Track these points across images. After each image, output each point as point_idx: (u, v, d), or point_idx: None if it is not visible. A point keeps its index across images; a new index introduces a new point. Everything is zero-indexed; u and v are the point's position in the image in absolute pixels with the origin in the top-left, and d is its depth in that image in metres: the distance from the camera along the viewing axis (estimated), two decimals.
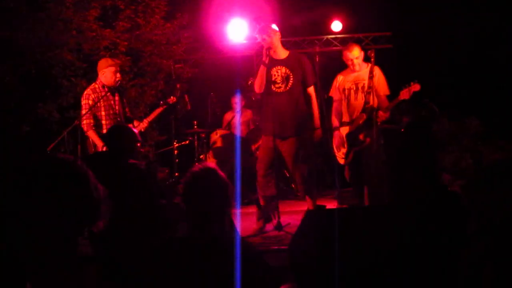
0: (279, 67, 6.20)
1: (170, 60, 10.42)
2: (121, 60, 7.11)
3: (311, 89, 6.29)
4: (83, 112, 6.64)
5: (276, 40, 6.19)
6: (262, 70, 6.16)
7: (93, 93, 6.71)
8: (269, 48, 6.14)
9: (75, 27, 8.95)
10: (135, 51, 9.98)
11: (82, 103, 6.75)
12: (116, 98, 6.87)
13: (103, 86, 6.76)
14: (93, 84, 6.84)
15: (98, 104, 6.67)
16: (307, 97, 6.29)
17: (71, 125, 6.64)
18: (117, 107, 6.84)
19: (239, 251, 2.59)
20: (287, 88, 6.18)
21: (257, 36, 6.26)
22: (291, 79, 6.18)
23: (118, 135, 4.90)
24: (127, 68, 9.60)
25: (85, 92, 6.78)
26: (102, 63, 6.87)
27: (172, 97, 7.52)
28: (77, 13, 8.90)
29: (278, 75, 6.18)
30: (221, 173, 2.94)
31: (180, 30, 10.48)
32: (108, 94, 6.76)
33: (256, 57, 6.60)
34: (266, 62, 6.15)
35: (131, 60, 9.76)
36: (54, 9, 8.62)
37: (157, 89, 10.22)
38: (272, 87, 6.20)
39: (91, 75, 9.19)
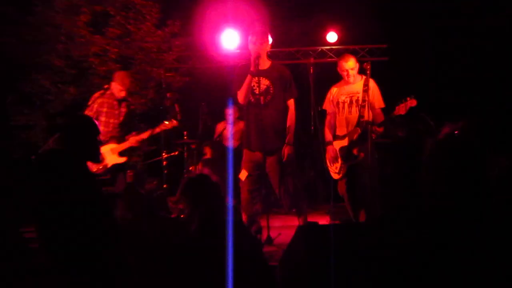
0: (260, 78, 6.11)
1: (160, 69, 10.42)
2: (128, 82, 7.11)
3: (290, 102, 6.23)
4: (86, 113, 6.79)
5: (265, 49, 6.17)
6: (248, 79, 6.07)
7: (101, 97, 6.87)
8: (258, 57, 6.03)
9: (64, 33, 8.95)
10: (125, 58, 9.97)
11: (88, 103, 6.91)
12: (122, 110, 6.99)
13: (112, 94, 6.99)
14: (103, 90, 6.96)
15: (101, 109, 6.87)
16: (286, 110, 6.23)
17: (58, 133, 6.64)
18: (121, 118, 7.00)
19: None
20: (266, 100, 6.12)
21: (250, 39, 6.16)
22: (271, 91, 6.13)
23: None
24: None
25: (93, 95, 6.94)
26: (115, 75, 7.10)
27: (173, 120, 7.51)
28: (67, 18, 8.90)
29: (257, 86, 6.10)
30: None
31: (171, 37, 10.49)
32: (115, 104, 6.97)
33: (238, 66, 6.48)
34: (254, 71, 6.04)
35: (121, 68, 9.74)
36: (42, 13, 8.62)
37: (146, 97, 10.21)
38: (251, 97, 6.16)
39: (80, 82, 9.19)
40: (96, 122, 4.22)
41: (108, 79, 7.10)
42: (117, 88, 6.97)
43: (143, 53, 10.14)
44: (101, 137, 6.86)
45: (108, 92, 6.93)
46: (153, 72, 10.27)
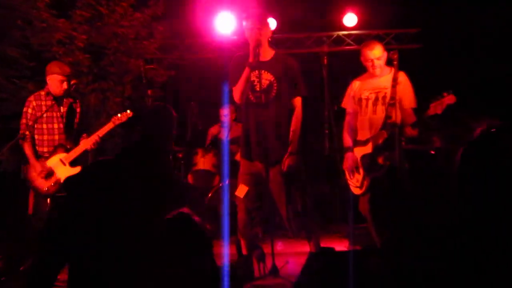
0: (261, 71, 6.09)
1: (139, 60, 10.42)
2: (72, 67, 7.15)
3: (297, 101, 6.22)
4: (22, 121, 6.91)
5: (266, 36, 6.15)
6: (246, 73, 6.05)
7: (35, 100, 6.96)
8: (258, 45, 5.99)
9: (21, 16, 8.96)
10: (95, 47, 9.99)
11: (23, 110, 6.97)
12: (63, 110, 6.99)
13: (48, 94, 6.99)
14: (39, 91, 7.07)
15: (39, 114, 6.89)
16: (293, 110, 6.21)
17: (14, 139, 6.69)
18: (65, 121, 6.98)
19: None
20: (269, 98, 6.10)
21: (246, 25, 6.14)
22: (275, 87, 6.11)
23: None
24: (85, 68, 9.62)
25: (28, 99, 7.01)
26: (48, 67, 7.07)
27: (128, 110, 7.53)
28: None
29: (258, 82, 6.09)
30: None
31: (153, 21, 10.50)
32: (54, 104, 6.98)
33: (234, 57, 6.47)
34: (254, 63, 6.01)
35: (91, 59, 9.77)
36: None
37: (123, 95, 10.22)
38: (250, 95, 6.16)
39: (41, 77, 9.21)
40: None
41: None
42: (54, 81, 6.93)
43: (117, 41, 10.14)
44: (45, 148, 6.91)
45: (44, 92, 6.99)
46: (131, 64, 10.26)
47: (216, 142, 9.54)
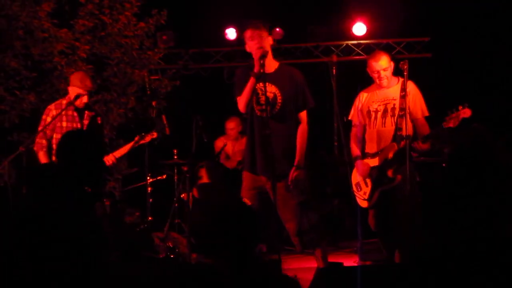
0: (265, 83, 5.98)
1: (144, 70, 10.41)
2: (90, 83, 7.15)
3: (303, 114, 6.17)
4: (39, 128, 6.91)
5: (268, 45, 6.06)
6: (251, 83, 5.98)
7: (56, 109, 6.97)
8: (263, 56, 5.92)
9: (22, 26, 8.97)
10: (98, 57, 9.99)
11: (42, 117, 7.04)
12: (85, 122, 7.03)
13: (69, 104, 7.00)
14: (60, 100, 7.10)
15: (59, 124, 6.92)
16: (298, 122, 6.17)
17: (14, 153, 6.67)
18: None
19: None
20: (274, 111, 6.07)
21: (246, 36, 6.09)
22: (279, 100, 6.08)
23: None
24: None
25: (48, 106, 7.07)
26: (71, 78, 7.15)
27: (153, 132, 7.52)
28: (25, 7, 8.91)
29: (262, 94, 6.01)
30: None
31: (157, 31, 10.50)
32: (75, 114, 7.01)
33: (240, 67, 6.44)
34: (258, 73, 5.92)
35: (94, 69, 9.76)
36: None
37: (126, 106, 10.21)
38: (255, 107, 6.12)
39: (42, 88, 9.20)
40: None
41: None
42: (75, 92, 6.98)
43: (121, 51, 10.14)
44: None
45: (65, 101, 7.01)
46: (135, 75, 10.25)
47: (222, 155, 9.52)
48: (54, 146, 6.93)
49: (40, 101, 9.12)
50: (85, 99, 7.04)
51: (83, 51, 9.54)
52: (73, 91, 6.98)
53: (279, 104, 6.09)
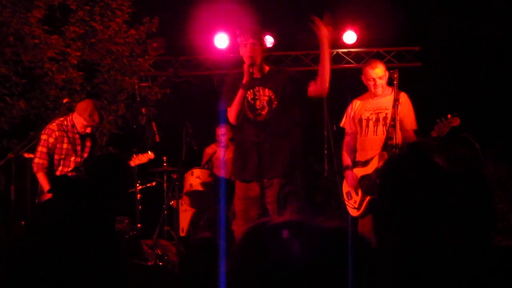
0: (256, 88, 5.98)
1: (134, 77, 10.41)
2: (98, 118, 7.12)
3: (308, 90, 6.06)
4: (39, 148, 6.82)
5: (260, 52, 5.99)
6: (240, 95, 5.88)
7: (59, 130, 6.89)
8: (252, 64, 5.84)
9: (13, 32, 8.97)
10: (89, 64, 9.99)
11: (41, 137, 6.90)
12: (87, 144, 7.04)
13: (73, 126, 6.96)
14: (62, 118, 7.02)
15: (59, 145, 6.86)
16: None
17: (3, 159, 6.68)
18: (85, 155, 7.01)
19: None
20: (270, 114, 5.97)
21: (240, 41, 6.01)
22: (275, 101, 5.98)
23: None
24: (78, 86, 9.61)
25: (49, 126, 6.94)
26: (79, 106, 7.08)
27: (149, 152, 7.53)
28: (16, 14, 8.92)
29: (255, 99, 5.98)
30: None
31: (147, 38, 10.51)
32: (76, 136, 6.98)
33: (229, 75, 6.42)
34: (247, 84, 5.85)
35: (84, 76, 9.76)
36: None
37: (116, 114, 10.21)
38: (249, 114, 6.01)
39: (32, 94, 9.20)
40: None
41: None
42: (81, 123, 6.96)
43: (112, 58, 10.14)
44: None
45: (69, 123, 6.96)
46: (125, 82, 10.25)
47: (212, 162, 9.53)
48: (60, 168, 6.91)
49: (30, 107, 9.12)
50: (88, 130, 7.04)
51: (73, 58, 9.54)
52: (78, 122, 6.92)
53: (275, 105, 5.98)
